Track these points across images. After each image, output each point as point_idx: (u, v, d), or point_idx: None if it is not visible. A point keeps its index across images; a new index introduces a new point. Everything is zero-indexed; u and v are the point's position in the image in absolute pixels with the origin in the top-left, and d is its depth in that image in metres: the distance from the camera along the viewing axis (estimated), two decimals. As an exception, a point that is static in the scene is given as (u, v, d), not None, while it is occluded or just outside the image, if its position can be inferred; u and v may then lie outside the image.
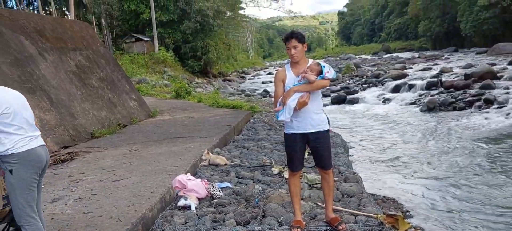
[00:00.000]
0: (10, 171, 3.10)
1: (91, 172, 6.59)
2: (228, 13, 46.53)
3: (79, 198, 5.24)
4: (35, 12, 34.34)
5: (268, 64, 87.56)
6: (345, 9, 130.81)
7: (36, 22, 11.35)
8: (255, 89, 31.93)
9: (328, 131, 4.08)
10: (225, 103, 16.41)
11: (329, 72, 3.92)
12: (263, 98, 24.98)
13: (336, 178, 5.81)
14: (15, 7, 34.20)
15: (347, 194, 5.29)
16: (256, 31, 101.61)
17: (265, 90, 29.59)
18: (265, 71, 59.55)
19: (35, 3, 40.14)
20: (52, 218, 4.56)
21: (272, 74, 50.71)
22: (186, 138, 9.31)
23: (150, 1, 34.33)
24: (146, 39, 36.37)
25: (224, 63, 45.45)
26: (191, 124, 11.75)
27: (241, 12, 54.82)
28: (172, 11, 36.35)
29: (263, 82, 39.05)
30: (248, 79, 47.92)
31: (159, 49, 35.40)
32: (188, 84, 26.41)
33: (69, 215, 4.64)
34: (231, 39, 49.22)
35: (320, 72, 3.90)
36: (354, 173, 6.32)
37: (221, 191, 5.35)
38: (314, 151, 4.08)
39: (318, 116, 3.99)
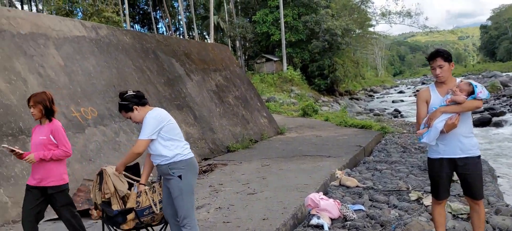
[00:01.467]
0: (179, 176, 3.47)
1: (229, 184, 7.06)
2: (357, 31, 45.78)
3: (219, 207, 5.65)
4: (181, 36, 38.52)
5: (398, 82, 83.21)
6: (489, 22, 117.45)
7: (184, 46, 12.75)
8: (385, 109, 30.56)
9: (479, 156, 3.70)
10: (354, 123, 16.06)
11: (482, 92, 3.56)
12: (394, 119, 23.76)
13: (486, 210, 5.19)
14: (165, 33, 38.89)
15: (499, 229, 4.69)
16: (386, 48, 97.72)
17: (396, 110, 28.09)
18: (395, 90, 56.64)
19: (181, 29, 44.99)
20: (197, 224, 4.99)
21: (404, 93, 48.03)
22: (315, 156, 9.35)
23: (280, 23, 35.74)
24: (275, 59, 37.87)
25: (351, 81, 44.68)
26: (319, 142, 11.78)
27: (371, 29, 53.45)
28: (301, 32, 37.25)
29: (393, 102, 37.19)
30: (377, 97, 46.17)
31: (287, 69, 36.49)
32: (315, 103, 26.57)
33: (211, 222, 5.03)
34: (359, 57, 48.25)
35: (471, 93, 3.57)
36: (507, 205, 5.57)
37: (354, 213, 5.22)
38: (463, 178, 3.72)
39: (468, 140, 3.64)
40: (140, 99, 3.52)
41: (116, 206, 3.87)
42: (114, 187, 3.84)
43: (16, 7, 32.94)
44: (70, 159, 7.00)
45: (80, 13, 25.18)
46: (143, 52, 10.66)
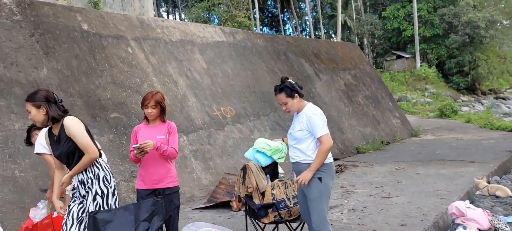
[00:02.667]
0: (320, 178, 3.33)
1: (361, 186, 6.94)
2: (504, 22, 40.39)
3: (353, 209, 5.60)
4: (307, 37, 38.89)
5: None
6: None
7: (313, 46, 12.88)
8: (541, 110, 26.40)
9: None
10: (501, 125, 14.28)
11: None
12: (554, 121, 20.36)
13: None
14: (292, 34, 39.67)
15: None
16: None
17: (557, 112, 24.05)
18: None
19: (307, 29, 45.36)
20: (331, 224, 5.03)
21: None
22: (455, 161, 8.59)
23: (413, 18, 33.55)
24: (407, 56, 35.68)
25: (496, 79, 39.59)
26: (460, 146, 10.77)
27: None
28: (436, 26, 34.43)
29: (552, 102, 31.88)
30: (530, 97, 40.02)
31: (421, 66, 34.07)
32: (453, 102, 24.30)
33: (345, 223, 5.02)
34: (506, 51, 42.47)
35: None
36: None
37: (507, 226, 4.68)
38: None
39: None
40: (300, 91, 3.41)
41: (257, 200, 4.14)
42: (256, 182, 4.09)
43: (162, 17, 37.23)
44: (212, 153, 7.69)
45: (216, 19, 27.29)
46: (274, 54, 11.10)
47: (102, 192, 3.01)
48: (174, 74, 8.18)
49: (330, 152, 3.42)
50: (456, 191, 6.13)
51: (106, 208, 2.97)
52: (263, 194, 4.06)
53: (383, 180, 7.28)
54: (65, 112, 3.09)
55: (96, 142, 3.23)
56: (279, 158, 4.23)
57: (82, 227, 2.94)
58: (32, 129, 4.24)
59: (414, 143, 11.77)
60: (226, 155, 7.87)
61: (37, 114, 2.96)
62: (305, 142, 3.40)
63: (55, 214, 3.79)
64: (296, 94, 3.35)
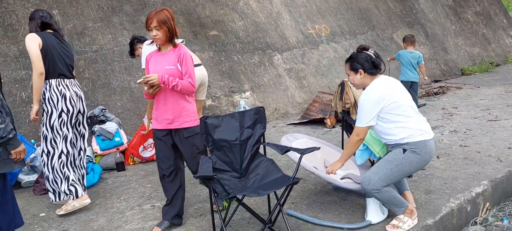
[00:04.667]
0: (404, 150, 2.75)
1: (464, 108, 6.52)
2: None
3: (454, 130, 5.35)
4: None
5: None
6: None
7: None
8: None
9: None
10: None
11: None
12: None
13: None
14: None
15: None
16: None
17: None
18: None
19: None
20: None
21: None
22: None
23: None
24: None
25: None
26: None
27: None
28: None
29: None
30: None
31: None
32: None
33: (446, 144, 4.84)
34: None
35: None
36: None
37: None
38: None
39: None
40: (371, 67, 2.80)
41: (354, 116, 4.14)
42: (354, 98, 4.08)
43: None
44: (306, 72, 7.71)
45: None
46: (374, -33, 10.33)
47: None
48: (268, -9, 8.11)
49: (428, 129, 2.80)
50: None
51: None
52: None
53: (490, 102, 6.74)
54: (43, 28, 3.28)
55: None
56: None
57: None
58: (135, 41, 4.33)
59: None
60: (320, 74, 7.84)
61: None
62: (375, 127, 2.84)
63: None
64: (360, 70, 2.79)
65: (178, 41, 3.02)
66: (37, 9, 3.38)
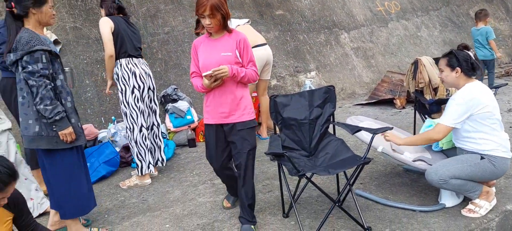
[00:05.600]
0: (482, 158, 2.60)
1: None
2: None
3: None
4: None
5: None
6: None
7: None
8: None
9: None
10: None
11: None
12: None
13: None
14: None
15: None
16: None
17: None
18: None
19: None
20: (510, 127, 4.57)
21: None
22: None
23: None
24: None
25: None
26: None
27: None
28: None
29: None
30: None
31: None
32: None
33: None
34: None
35: None
36: None
37: None
38: None
39: None
40: (469, 69, 2.63)
41: (428, 96, 3.97)
42: (429, 77, 3.91)
43: None
44: (374, 51, 7.46)
45: None
46: None
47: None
48: (335, -32, 7.90)
49: (509, 148, 2.64)
50: None
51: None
52: (435, 90, 3.87)
53: None
54: (119, 12, 3.54)
55: None
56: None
57: None
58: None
59: None
60: (389, 53, 7.56)
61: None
62: (457, 129, 2.68)
63: None
64: (458, 68, 2.62)
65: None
66: None
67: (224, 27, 2.53)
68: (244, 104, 2.58)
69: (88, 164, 3.49)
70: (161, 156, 3.76)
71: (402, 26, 7.99)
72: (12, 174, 1.91)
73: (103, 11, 3.54)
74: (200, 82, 2.57)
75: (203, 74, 2.46)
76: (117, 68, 3.47)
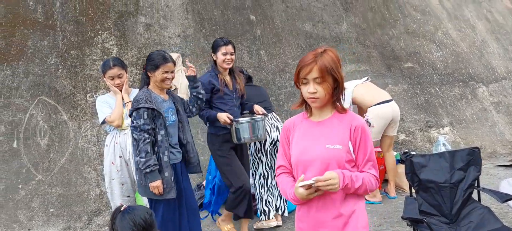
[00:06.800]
0: None
1: None
2: None
3: None
4: None
5: None
6: None
7: None
8: None
9: None
10: None
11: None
12: None
13: None
14: None
15: None
16: None
17: None
18: None
19: None
20: None
21: None
22: None
23: None
24: None
25: None
26: None
27: None
28: None
29: None
30: None
31: None
32: None
33: None
34: None
35: None
36: None
37: None
38: None
39: None
40: None
41: None
42: None
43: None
44: None
45: None
46: None
47: None
48: (471, 18, 7.42)
49: None
50: None
51: None
52: None
53: None
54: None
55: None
56: None
57: None
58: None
59: None
60: None
61: None
62: None
63: None
64: None
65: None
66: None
67: (334, 101, 1.75)
68: (354, 224, 1.72)
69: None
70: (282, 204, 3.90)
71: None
72: (146, 228, 1.80)
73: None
74: (290, 188, 1.75)
75: (299, 184, 1.65)
76: None
